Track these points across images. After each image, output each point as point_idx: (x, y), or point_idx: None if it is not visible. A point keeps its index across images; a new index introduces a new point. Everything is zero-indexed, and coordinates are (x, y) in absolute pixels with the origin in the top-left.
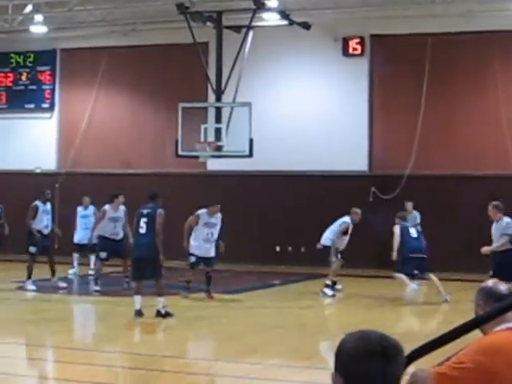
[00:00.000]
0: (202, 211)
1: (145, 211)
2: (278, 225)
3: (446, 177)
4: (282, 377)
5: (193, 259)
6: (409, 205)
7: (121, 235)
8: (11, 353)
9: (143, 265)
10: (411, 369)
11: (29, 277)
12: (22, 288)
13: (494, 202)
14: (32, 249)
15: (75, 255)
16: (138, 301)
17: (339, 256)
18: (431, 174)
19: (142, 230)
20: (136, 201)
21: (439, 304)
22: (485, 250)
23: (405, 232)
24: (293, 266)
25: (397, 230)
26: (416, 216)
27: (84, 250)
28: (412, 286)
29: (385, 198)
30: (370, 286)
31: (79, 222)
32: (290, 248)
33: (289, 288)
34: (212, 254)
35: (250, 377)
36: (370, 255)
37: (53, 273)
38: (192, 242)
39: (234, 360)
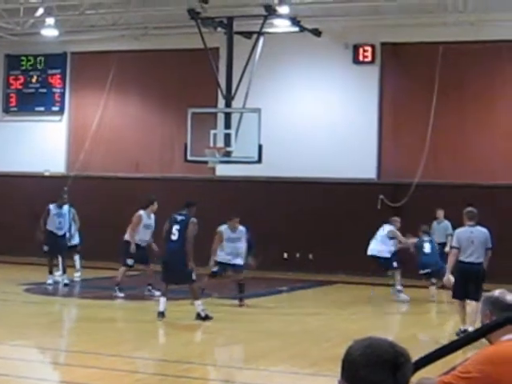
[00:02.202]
0: (223, 227)
1: (178, 218)
2: (285, 231)
3: (455, 186)
4: (287, 383)
5: (215, 268)
6: (439, 213)
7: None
8: (25, 356)
9: (173, 269)
10: (415, 378)
11: (50, 272)
12: (30, 290)
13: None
14: (45, 247)
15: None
16: (162, 302)
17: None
18: (440, 182)
19: (174, 237)
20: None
21: (450, 313)
22: None
23: (419, 247)
24: (300, 273)
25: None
26: (446, 225)
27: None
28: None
29: (393, 205)
30: (380, 293)
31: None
32: (297, 255)
33: (296, 295)
34: (239, 261)
35: (256, 383)
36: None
37: (64, 271)
38: (218, 253)
39: (240, 366)
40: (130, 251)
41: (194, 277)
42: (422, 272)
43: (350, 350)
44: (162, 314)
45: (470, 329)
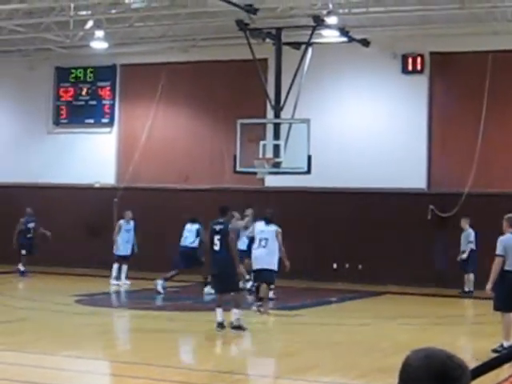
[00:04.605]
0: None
1: (217, 227)
2: (335, 241)
3: (506, 195)
4: None
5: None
6: (462, 222)
7: None
8: (77, 367)
9: (223, 279)
10: None
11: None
12: (81, 301)
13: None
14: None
15: (116, 266)
16: (219, 313)
17: None
18: (491, 192)
19: (217, 247)
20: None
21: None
22: None
23: None
24: (350, 283)
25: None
26: (468, 234)
27: (124, 262)
28: None
29: (443, 216)
30: (433, 304)
31: (123, 235)
32: (347, 265)
33: (346, 305)
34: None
35: None
36: (430, 273)
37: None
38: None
39: (290, 377)
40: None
41: (241, 285)
42: None
43: (408, 361)
44: (221, 325)
45: (506, 344)
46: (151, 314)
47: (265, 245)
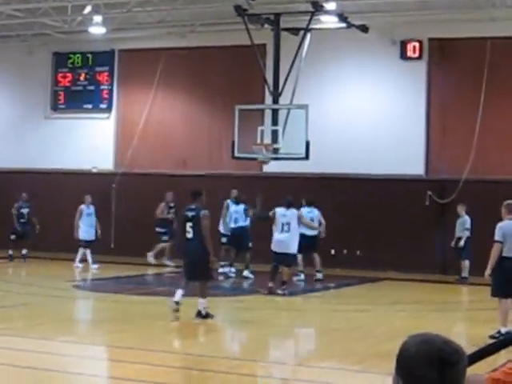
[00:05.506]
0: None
1: (189, 214)
2: (333, 228)
3: (504, 181)
4: (335, 380)
5: None
6: (459, 208)
7: None
8: (75, 352)
9: (194, 268)
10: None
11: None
12: (78, 287)
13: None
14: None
15: (81, 251)
16: (178, 294)
17: None
18: (489, 178)
19: (189, 235)
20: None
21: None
22: None
23: None
24: (348, 269)
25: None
26: (464, 220)
27: (89, 246)
28: None
29: (441, 202)
30: (430, 291)
31: (84, 220)
32: (345, 251)
33: (343, 291)
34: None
35: (304, 379)
36: (428, 260)
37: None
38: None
39: (287, 362)
40: None
41: (212, 275)
42: None
43: (406, 346)
44: (176, 304)
45: (503, 330)
46: (150, 300)
47: (288, 229)
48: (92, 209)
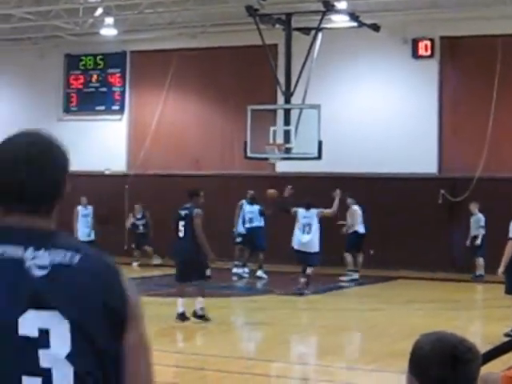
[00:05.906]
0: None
1: (182, 213)
2: None
3: None
4: (350, 379)
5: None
6: (472, 206)
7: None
8: None
9: (186, 268)
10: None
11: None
12: None
13: None
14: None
15: None
16: (180, 304)
17: None
18: (502, 176)
19: (181, 234)
20: (205, 202)
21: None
22: None
23: None
24: (361, 269)
25: None
26: (479, 218)
27: None
28: None
29: (454, 200)
30: (444, 289)
31: (81, 221)
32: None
33: (357, 290)
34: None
35: (319, 379)
36: (442, 258)
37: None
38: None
39: (302, 362)
40: None
41: (207, 273)
42: None
43: (420, 344)
44: (182, 316)
45: None
46: (161, 301)
47: (309, 231)
48: (90, 209)
